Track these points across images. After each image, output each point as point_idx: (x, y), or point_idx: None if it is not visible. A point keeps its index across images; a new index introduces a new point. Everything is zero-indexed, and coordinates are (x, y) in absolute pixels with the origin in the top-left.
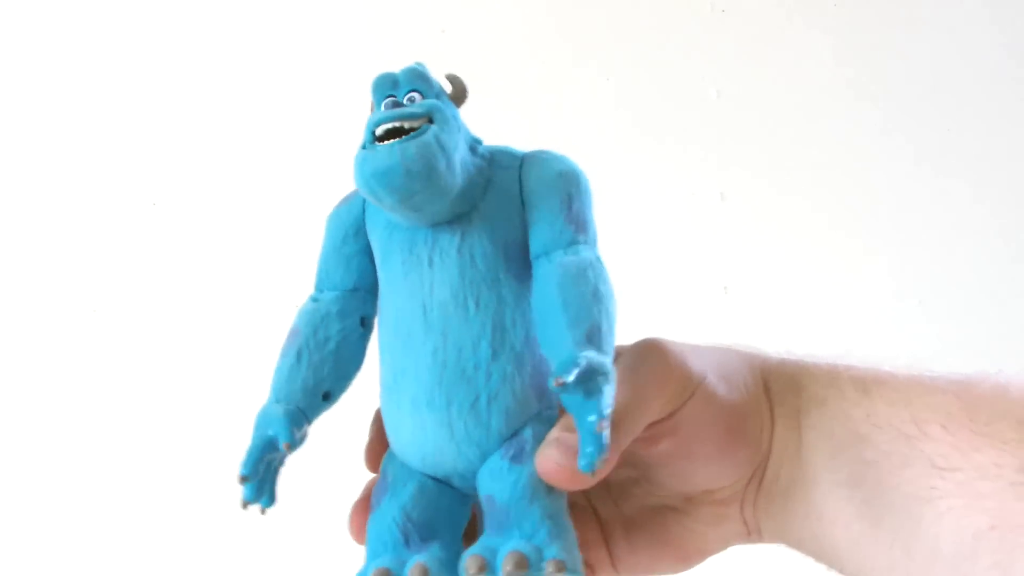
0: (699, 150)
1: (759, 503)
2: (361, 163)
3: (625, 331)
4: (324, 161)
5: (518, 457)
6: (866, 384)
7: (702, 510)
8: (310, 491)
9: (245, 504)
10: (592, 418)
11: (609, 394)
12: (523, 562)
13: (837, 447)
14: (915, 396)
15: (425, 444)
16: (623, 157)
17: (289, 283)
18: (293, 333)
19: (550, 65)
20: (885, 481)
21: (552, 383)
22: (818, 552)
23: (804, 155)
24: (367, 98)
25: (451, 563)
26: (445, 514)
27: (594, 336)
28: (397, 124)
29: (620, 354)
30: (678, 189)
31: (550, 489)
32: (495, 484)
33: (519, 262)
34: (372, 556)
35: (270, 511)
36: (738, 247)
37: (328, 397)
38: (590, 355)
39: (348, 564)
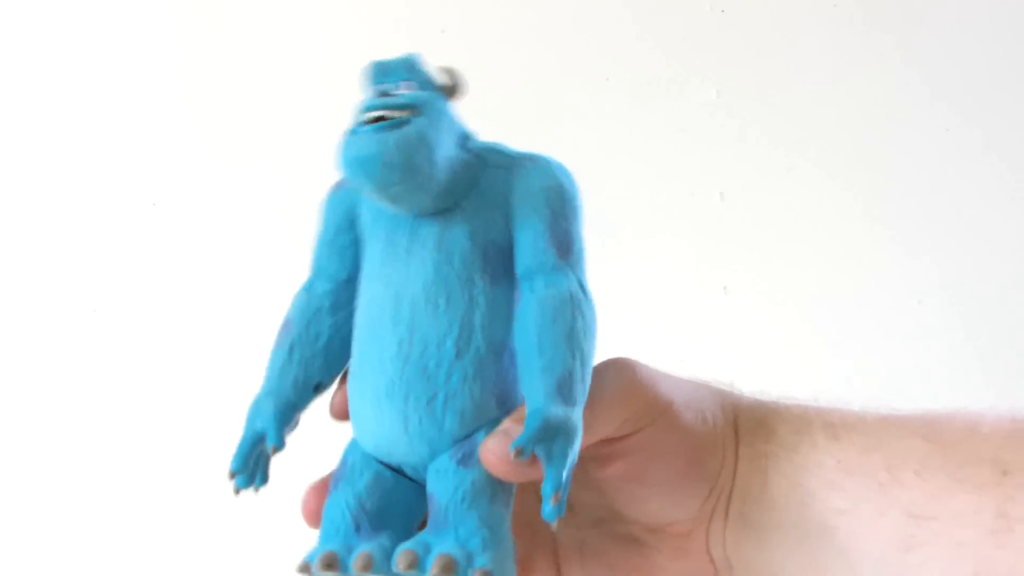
0: (699, 150)
1: (729, 542)
2: (343, 147)
3: (626, 331)
4: (324, 161)
5: (465, 460)
6: (836, 430)
7: (663, 543)
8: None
9: (237, 491)
10: (547, 490)
11: (569, 456)
12: (451, 565)
13: (808, 495)
14: (886, 441)
15: (380, 434)
16: (623, 157)
17: (289, 283)
18: (286, 325)
19: (550, 65)
20: (860, 531)
21: (512, 452)
22: None
23: (804, 155)
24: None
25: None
26: (399, 505)
27: (564, 385)
28: (384, 113)
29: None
30: (678, 189)
31: (493, 497)
32: (439, 483)
33: (497, 264)
34: (323, 539)
35: (263, 489)
36: (738, 247)
37: (319, 388)
38: (551, 413)
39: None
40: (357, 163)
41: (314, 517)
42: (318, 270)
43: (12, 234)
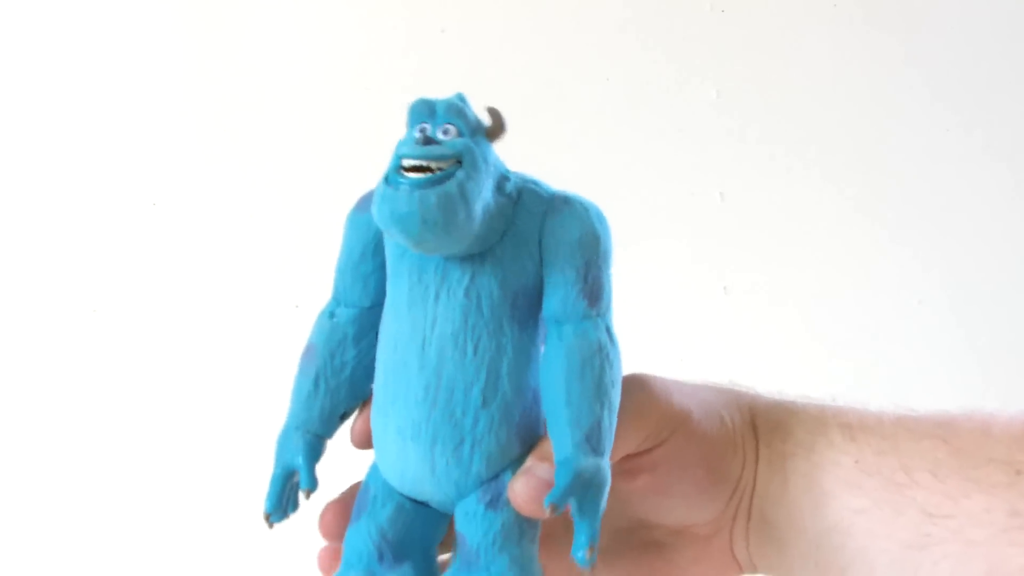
0: (699, 150)
1: (752, 542)
2: (380, 201)
3: (625, 331)
4: (324, 161)
5: (494, 504)
6: (853, 431)
7: (686, 546)
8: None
9: (271, 525)
10: (582, 541)
11: (602, 506)
12: None
13: (825, 495)
14: (902, 442)
15: (406, 472)
16: (623, 157)
17: (289, 283)
18: (309, 352)
19: (550, 65)
20: (877, 530)
21: (546, 507)
22: None
23: (804, 155)
24: (368, 97)
25: None
26: (420, 533)
27: (592, 436)
28: (425, 163)
29: None
30: (678, 189)
31: (521, 537)
32: (469, 526)
33: (525, 310)
34: (346, 567)
35: (293, 514)
36: (738, 247)
37: (344, 416)
38: (581, 466)
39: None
40: (395, 220)
41: (332, 533)
42: (341, 295)
43: (12, 234)
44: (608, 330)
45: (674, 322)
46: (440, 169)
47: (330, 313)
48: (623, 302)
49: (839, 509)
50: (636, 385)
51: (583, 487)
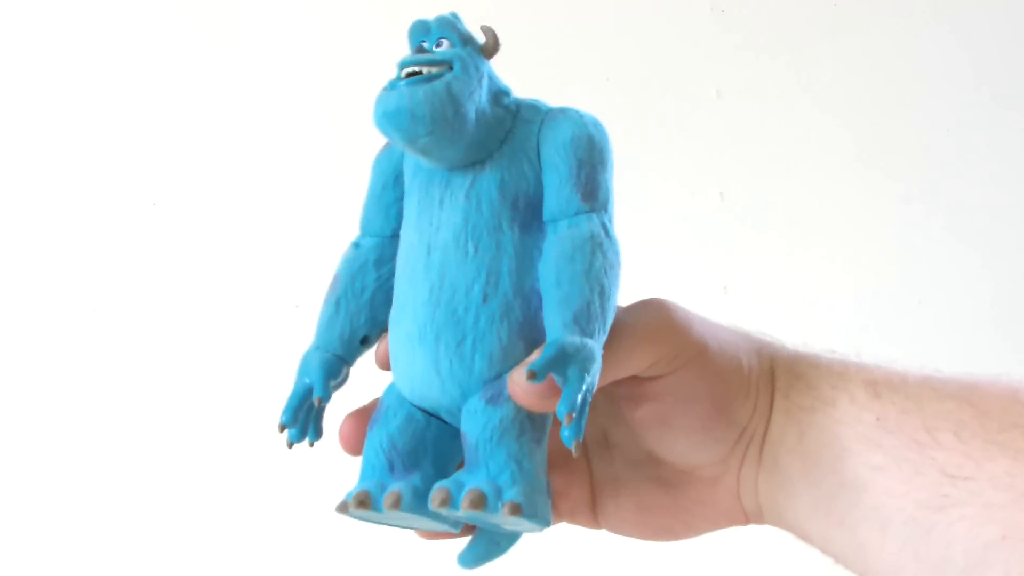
0: (699, 150)
1: (762, 491)
2: (376, 104)
3: None
4: (324, 160)
5: (494, 400)
6: (877, 387)
7: (692, 487)
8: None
9: (290, 444)
10: (561, 409)
11: (585, 380)
12: (480, 500)
13: (844, 449)
14: (926, 402)
15: (414, 377)
16: (623, 157)
17: (289, 283)
18: (334, 280)
19: (550, 65)
20: (895, 488)
21: (526, 375)
22: (825, 548)
23: (804, 155)
24: (368, 97)
25: (427, 493)
26: (431, 446)
27: (581, 316)
28: (419, 68)
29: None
30: (678, 189)
31: (521, 433)
32: (469, 423)
33: (526, 214)
34: (361, 479)
35: (318, 444)
36: (738, 247)
37: (366, 341)
38: (566, 341)
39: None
40: (386, 116)
41: (350, 444)
42: (365, 226)
43: (12, 234)
44: (604, 225)
45: None
46: (431, 72)
47: (355, 244)
48: (622, 301)
49: (857, 465)
50: (656, 307)
51: (565, 361)
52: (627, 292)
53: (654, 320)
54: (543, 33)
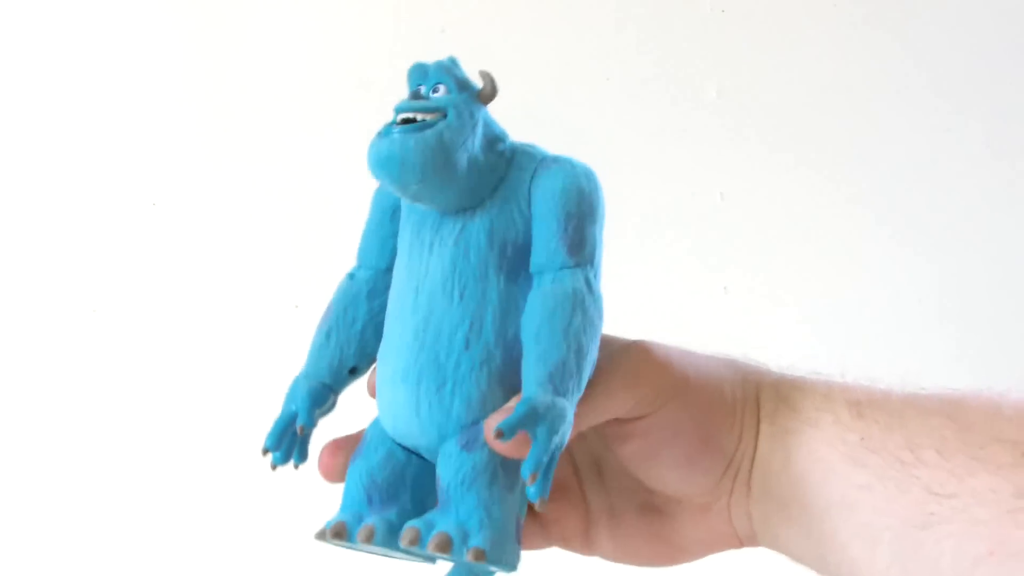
0: (699, 150)
1: (755, 516)
2: (370, 149)
3: (626, 331)
4: (324, 161)
5: (469, 445)
6: (861, 407)
7: (685, 514)
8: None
9: (274, 467)
10: (525, 469)
11: (552, 440)
12: (446, 544)
13: (830, 470)
14: (909, 419)
15: (396, 415)
16: (623, 157)
17: (289, 283)
18: (327, 310)
19: (550, 65)
20: (881, 506)
21: (494, 433)
22: (819, 567)
23: (804, 155)
24: (367, 97)
25: (400, 529)
26: (410, 482)
27: (556, 374)
28: (413, 115)
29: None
30: (678, 189)
31: (492, 480)
32: (443, 466)
33: (513, 262)
34: (341, 510)
35: (302, 467)
36: (738, 247)
37: (355, 371)
38: (538, 400)
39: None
40: (379, 163)
41: (328, 472)
42: (362, 258)
43: (12, 234)
44: (588, 281)
45: (674, 322)
46: (425, 119)
47: (351, 275)
48: (623, 302)
49: (843, 485)
50: (636, 351)
51: (535, 420)
52: (628, 292)
53: (633, 365)
54: (543, 33)
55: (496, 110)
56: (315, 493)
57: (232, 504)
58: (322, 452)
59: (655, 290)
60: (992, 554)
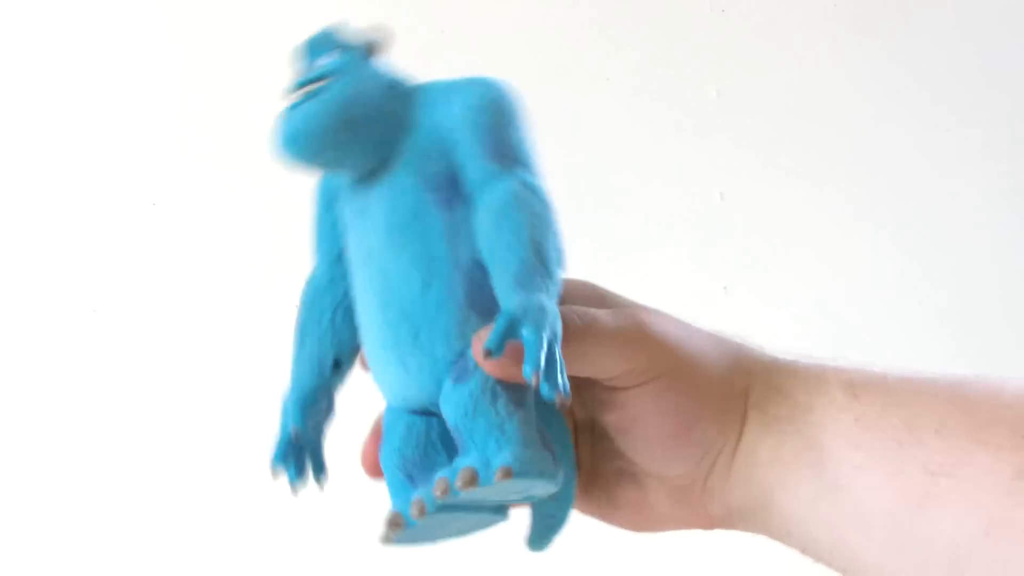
0: (699, 150)
1: (731, 500)
2: (273, 134)
3: None
4: None
5: (461, 377)
6: (856, 388)
7: (660, 488)
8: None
9: (293, 488)
10: (526, 371)
11: (542, 336)
12: (472, 477)
13: (824, 452)
14: (907, 401)
15: (392, 383)
16: (623, 157)
17: (289, 283)
18: (297, 313)
19: (550, 65)
20: (876, 487)
21: (483, 354)
22: (805, 547)
23: (804, 155)
24: None
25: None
26: (440, 443)
27: (520, 276)
28: (305, 89)
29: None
30: (678, 189)
31: (494, 400)
32: (446, 407)
33: (448, 192)
34: (392, 503)
35: (325, 483)
36: (738, 247)
37: (339, 366)
38: (512, 306)
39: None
40: (284, 144)
41: (372, 468)
42: (315, 252)
43: (12, 234)
44: (522, 180)
45: None
46: (314, 88)
47: (309, 276)
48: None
49: (837, 466)
50: (635, 317)
51: (516, 324)
52: (628, 292)
53: (630, 329)
54: (543, 33)
55: None
56: (314, 494)
57: (232, 503)
58: (363, 453)
59: (655, 290)
60: (988, 533)
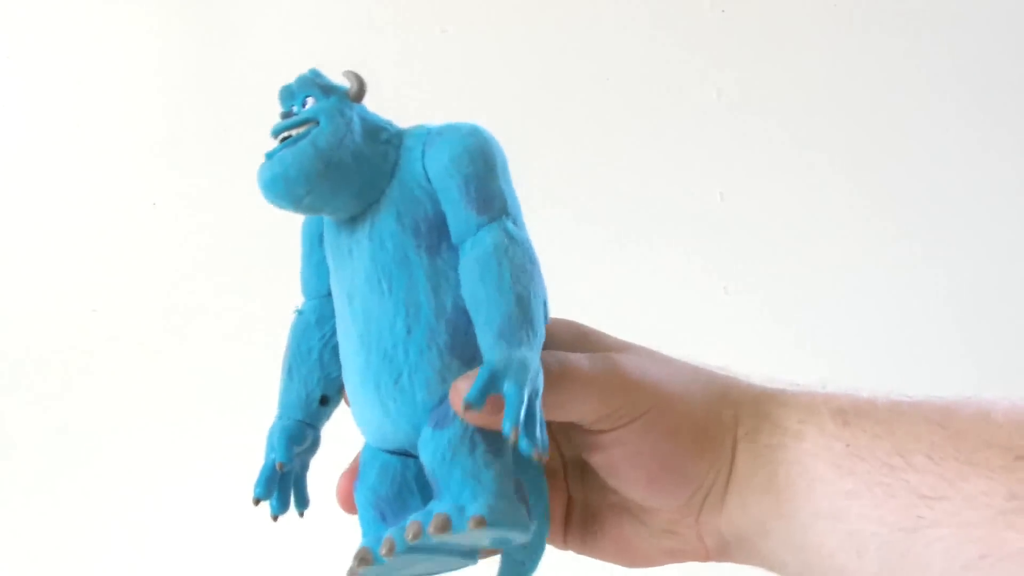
0: (699, 150)
1: (725, 531)
2: (257, 178)
3: (626, 331)
4: None
5: (440, 423)
6: (846, 415)
7: (653, 521)
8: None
9: (274, 517)
10: (505, 427)
11: (522, 393)
12: (446, 524)
13: (815, 480)
14: (897, 426)
15: (371, 423)
16: (623, 157)
17: (289, 284)
18: (285, 349)
19: (550, 65)
20: (868, 513)
21: (463, 408)
22: (800, 575)
23: (804, 155)
24: (368, 98)
25: None
26: (414, 484)
27: (504, 331)
28: (287, 134)
29: (589, 357)
30: (678, 189)
31: (472, 449)
32: (424, 452)
33: (431, 238)
34: (363, 539)
35: (307, 513)
36: (738, 247)
37: (326, 402)
38: (495, 360)
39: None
40: (266, 187)
41: (347, 502)
42: (304, 290)
43: (12, 234)
44: (506, 231)
45: (674, 322)
46: (298, 133)
47: (299, 311)
48: (624, 302)
49: (830, 494)
50: (612, 363)
51: (498, 379)
52: (628, 292)
53: (605, 374)
54: (543, 33)
55: (496, 110)
56: (314, 494)
57: (232, 503)
58: (338, 483)
59: (655, 290)
60: (984, 557)
